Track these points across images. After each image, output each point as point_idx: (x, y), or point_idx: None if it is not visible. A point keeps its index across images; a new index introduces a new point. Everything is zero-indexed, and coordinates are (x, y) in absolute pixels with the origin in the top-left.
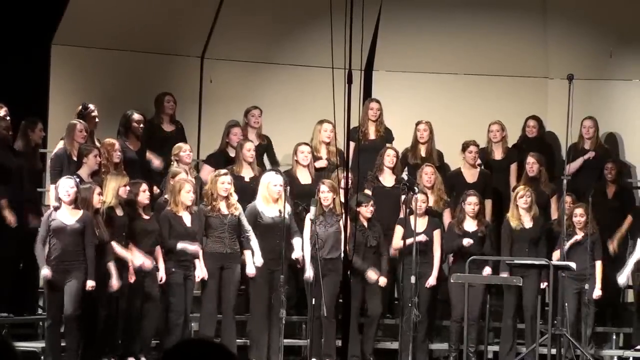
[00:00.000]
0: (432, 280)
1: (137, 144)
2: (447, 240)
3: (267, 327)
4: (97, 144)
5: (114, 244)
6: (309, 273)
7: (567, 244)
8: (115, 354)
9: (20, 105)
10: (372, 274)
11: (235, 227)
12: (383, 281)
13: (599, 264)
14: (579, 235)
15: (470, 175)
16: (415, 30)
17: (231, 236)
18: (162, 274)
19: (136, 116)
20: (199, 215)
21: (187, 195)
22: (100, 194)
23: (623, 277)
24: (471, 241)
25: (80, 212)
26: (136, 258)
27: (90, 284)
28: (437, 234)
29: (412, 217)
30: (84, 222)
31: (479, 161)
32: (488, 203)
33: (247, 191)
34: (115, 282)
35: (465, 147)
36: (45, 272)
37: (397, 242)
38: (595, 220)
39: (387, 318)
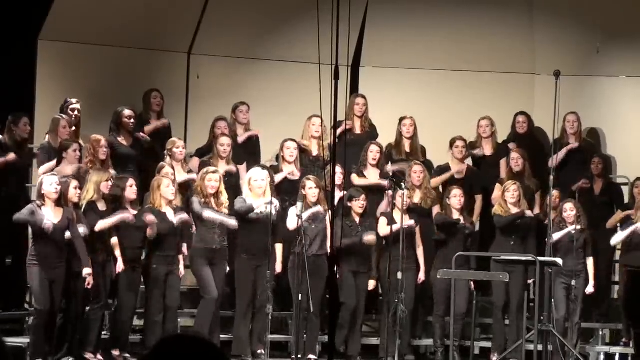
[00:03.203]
0: (422, 276)
1: (129, 139)
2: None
3: (250, 321)
4: (81, 139)
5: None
6: (280, 267)
7: (561, 233)
8: (99, 349)
9: (6, 100)
10: (369, 237)
11: (224, 225)
12: (372, 284)
13: (590, 261)
14: (571, 228)
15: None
16: (402, 26)
17: (221, 232)
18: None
19: (127, 112)
20: (191, 203)
21: (167, 190)
22: (77, 187)
23: (617, 238)
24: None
25: (62, 210)
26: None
27: (87, 271)
28: (418, 230)
29: (395, 212)
30: (68, 219)
31: (468, 159)
32: (478, 198)
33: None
34: (90, 280)
35: (452, 142)
36: (47, 224)
37: (384, 229)
38: (586, 215)
39: (372, 314)
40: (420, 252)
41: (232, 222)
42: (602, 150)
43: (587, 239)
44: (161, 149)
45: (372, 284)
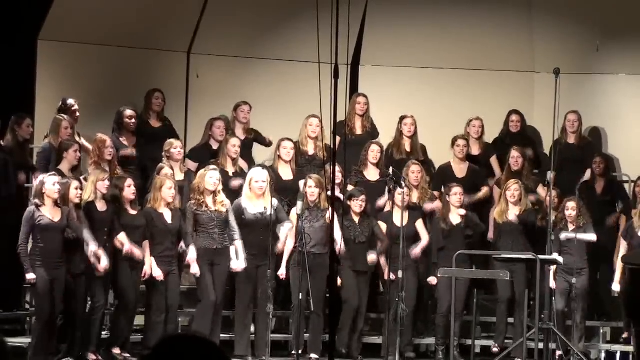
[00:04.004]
0: (417, 250)
1: (132, 139)
2: (435, 234)
3: (251, 321)
4: (78, 138)
5: (122, 236)
6: (282, 271)
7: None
8: (98, 348)
9: (6, 100)
10: (371, 257)
11: (224, 223)
12: (373, 258)
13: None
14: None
15: (460, 170)
16: (402, 24)
17: (221, 232)
18: (146, 269)
19: (128, 112)
20: (186, 213)
21: (168, 192)
22: (78, 188)
23: (616, 285)
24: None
25: (60, 210)
26: (126, 245)
27: (93, 248)
28: (419, 223)
29: (395, 211)
30: (67, 219)
31: None
32: (484, 189)
33: (230, 185)
34: (105, 263)
35: (453, 141)
36: (31, 276)
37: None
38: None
39: (373, 313)
40: (424, 238)
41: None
42: (603, 149)
43: (587, 228)
44: (160, 150)
45: (372, 257)
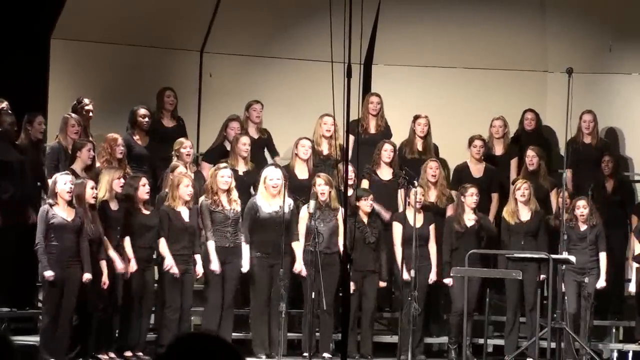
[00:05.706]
0: (433, 276)
1: (145, 138)
2: (447, 236)
3: (267, 320)
4: (91, 138)
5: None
6: (300, 266)
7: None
8: (112, 349)
9: (19, 99)
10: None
11: (237, 222)
12: (383, 284)
13: (603, 255)
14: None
15: (477, 170)
16: (415, 23)
17: (234, 231)
18: (168, 262)
19: (142, 111)
20: (200, 210)
21: (185, 190)
22: (94, 188)
23: (633, 286)
24: None
25: (74, 210)
26: (118, 263)
27: (87, 276)
28: (432, 228)
29: (408, 212)
30: (81, 218)
31: None
32: (495, 197)
33: (240, 185)
34: (105, 280)
35: (470, 141)
36: (49, 273)
37: (398, 237)
38: (598, 212)
39: (385, 312)
40: (433, 251)
41: (215, 267)
42: (619, 150)
43: (600, 234)
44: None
45: (381, 284)
